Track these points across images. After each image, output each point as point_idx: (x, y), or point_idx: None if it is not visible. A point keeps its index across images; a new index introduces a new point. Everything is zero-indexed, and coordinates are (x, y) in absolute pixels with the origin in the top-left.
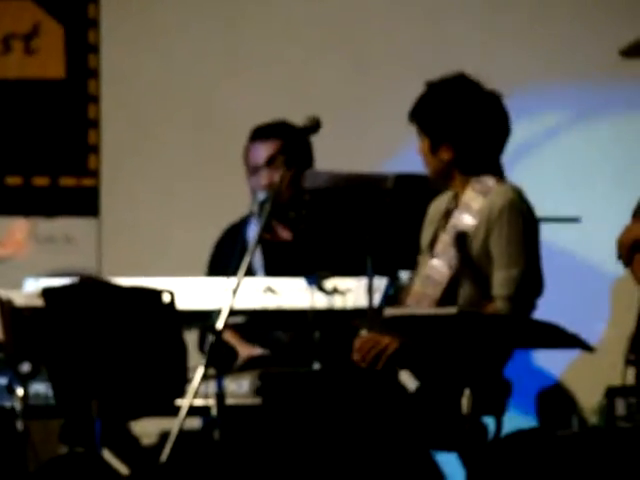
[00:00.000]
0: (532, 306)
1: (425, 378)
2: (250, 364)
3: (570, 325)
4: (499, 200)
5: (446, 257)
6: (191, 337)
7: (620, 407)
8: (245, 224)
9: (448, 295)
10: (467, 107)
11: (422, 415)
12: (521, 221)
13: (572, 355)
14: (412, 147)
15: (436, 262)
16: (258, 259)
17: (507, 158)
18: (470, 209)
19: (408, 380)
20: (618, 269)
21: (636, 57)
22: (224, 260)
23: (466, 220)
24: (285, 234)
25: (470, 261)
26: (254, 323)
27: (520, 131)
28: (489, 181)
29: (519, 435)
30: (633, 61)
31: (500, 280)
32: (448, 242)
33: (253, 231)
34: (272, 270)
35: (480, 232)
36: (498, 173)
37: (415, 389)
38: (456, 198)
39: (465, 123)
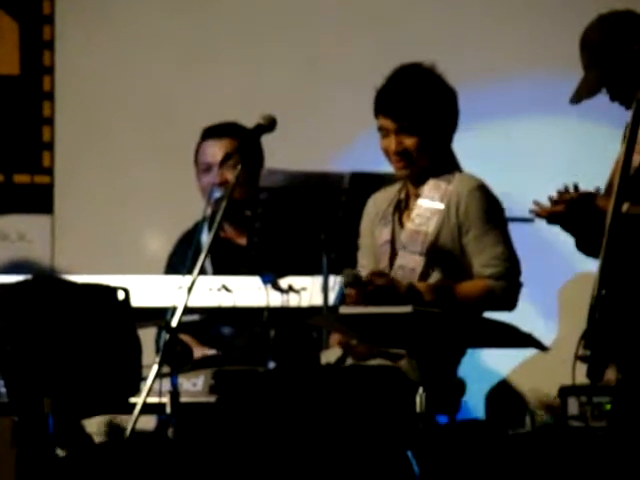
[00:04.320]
0: (520, 284)
1: (381, 376)
2: (204, 362)
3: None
4: (466, 185)
5: (415, 245)
6: (146, 335)
7: (572, 406)
8: (198, 229)
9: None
10: (450, 94)
11: (378, 413)
12: (493, 202)
13: (523, 354)
14: (365, 146)
15: (405, 252)
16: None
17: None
18: (433, 195)
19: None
20: (571, 268)
21: (586, 99)
22: (180, 269)
23: (431, 205)
24: (237, 237)
25: (443, 243)
26: (209, 321)
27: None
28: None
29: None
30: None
31: (486, 260)
32: (413, 230)
33: (205, 236)
34: (221, 269)
35: (451, 217)
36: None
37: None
38: (406, 190)
39: (452, 109)
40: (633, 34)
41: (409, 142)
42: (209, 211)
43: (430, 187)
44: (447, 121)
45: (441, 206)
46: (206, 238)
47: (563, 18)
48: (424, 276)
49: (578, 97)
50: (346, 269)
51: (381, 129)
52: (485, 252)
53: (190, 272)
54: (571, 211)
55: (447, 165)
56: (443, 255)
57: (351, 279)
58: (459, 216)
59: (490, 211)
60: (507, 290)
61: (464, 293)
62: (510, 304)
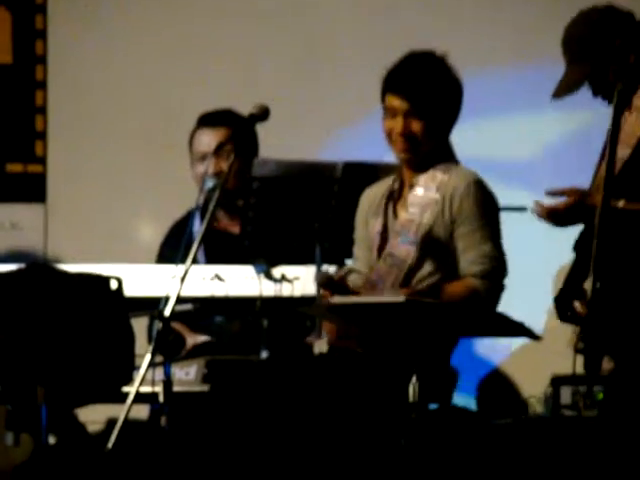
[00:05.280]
0: (503, 285)
1: (372, 367)
2: (197, 351)
3: (514, 313)
4: (463, 179)
5: (407, 234)
6: (138, 324)
7: (565, 396)
8: (191, 218)
9: (413, 273)
10: (458, 84)
11: (371, 402)
12: (488, 199)
13: (516, 343)
14: (360, 135)
15: (397, 240)
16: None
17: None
18: (429, 185)
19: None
20: (561, 258)
21: (567, 95)
22: (172, 258)
23: (427, 194)
24: (231, 226)
25: (437, 234)
26: (202, 311)
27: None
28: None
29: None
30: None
31: (473, 257)
32: (407, 219)
33: (198, 225)
34: (214, 258)
35: (445, 209)
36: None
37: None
38: (400, 179)
39: (457, 99)
40: (614, 29)
41: (416, 126)
42: (202, 200)
43: (427, 177)
44: (452, 110)
45: (437, 196)
46: (199, 227)
47: (552, 11)
48: (416, 267)
49: (560, 92)
50: (317, 272)
51: (388, 109)
52: (473, 249)
53: (183, 261)
54: (570, 206)
55: (445, 156)
56: (436, 246)
57: (324, 280)
58: (453, 209)
59: (484, 207)
60: (490, 290)
61: (449, 295)
62: (491, 305)
